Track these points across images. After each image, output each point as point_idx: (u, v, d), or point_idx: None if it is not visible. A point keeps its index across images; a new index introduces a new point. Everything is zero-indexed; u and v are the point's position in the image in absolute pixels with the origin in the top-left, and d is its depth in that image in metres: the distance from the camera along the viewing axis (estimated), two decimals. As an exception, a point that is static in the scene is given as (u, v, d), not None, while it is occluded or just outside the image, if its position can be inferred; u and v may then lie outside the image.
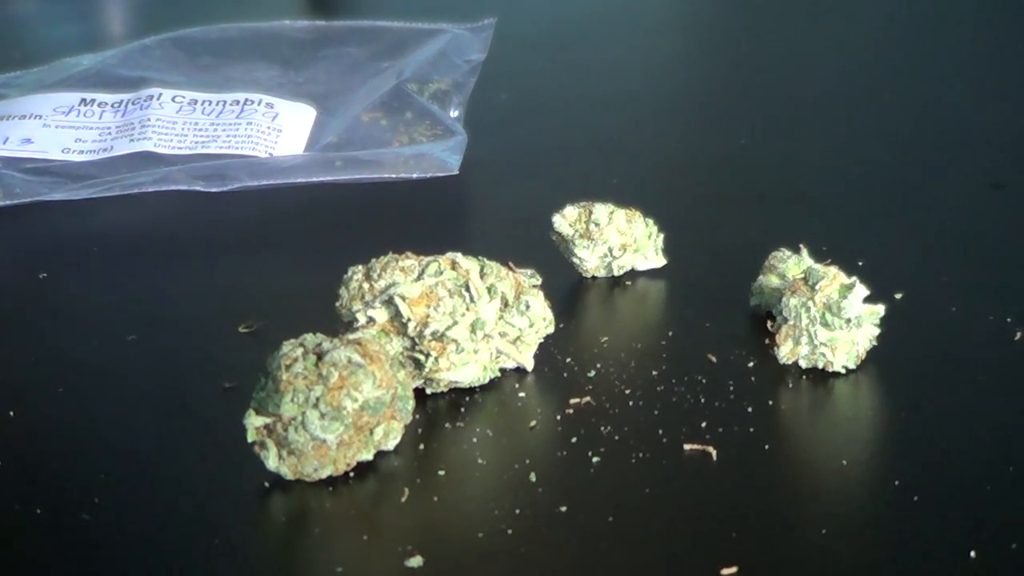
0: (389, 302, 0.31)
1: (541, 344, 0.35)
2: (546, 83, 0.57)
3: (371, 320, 0.31)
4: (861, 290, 0.33)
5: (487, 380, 0.33)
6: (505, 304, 0.32)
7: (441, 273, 0.31)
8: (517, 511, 0.29)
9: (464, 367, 0.31)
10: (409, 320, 0.31)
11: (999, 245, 0.40)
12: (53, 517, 0.30)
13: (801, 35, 0.63)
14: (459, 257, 0.32)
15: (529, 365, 0.33)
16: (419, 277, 0.31)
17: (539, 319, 0.33)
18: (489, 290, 0.31)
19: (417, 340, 0.31)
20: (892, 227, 0.42)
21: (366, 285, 0.32)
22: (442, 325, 0.30)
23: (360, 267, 0.32)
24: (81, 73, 0.55)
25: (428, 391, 0.32)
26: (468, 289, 0.31)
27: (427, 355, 0.31)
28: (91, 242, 0.44)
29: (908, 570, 0.27)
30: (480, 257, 0.33)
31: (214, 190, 0.47)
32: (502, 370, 0.33)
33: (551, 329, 0.33)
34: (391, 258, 0.32)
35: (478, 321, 0.31)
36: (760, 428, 0.31)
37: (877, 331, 0.34)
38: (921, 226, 0.42)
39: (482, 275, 0.32)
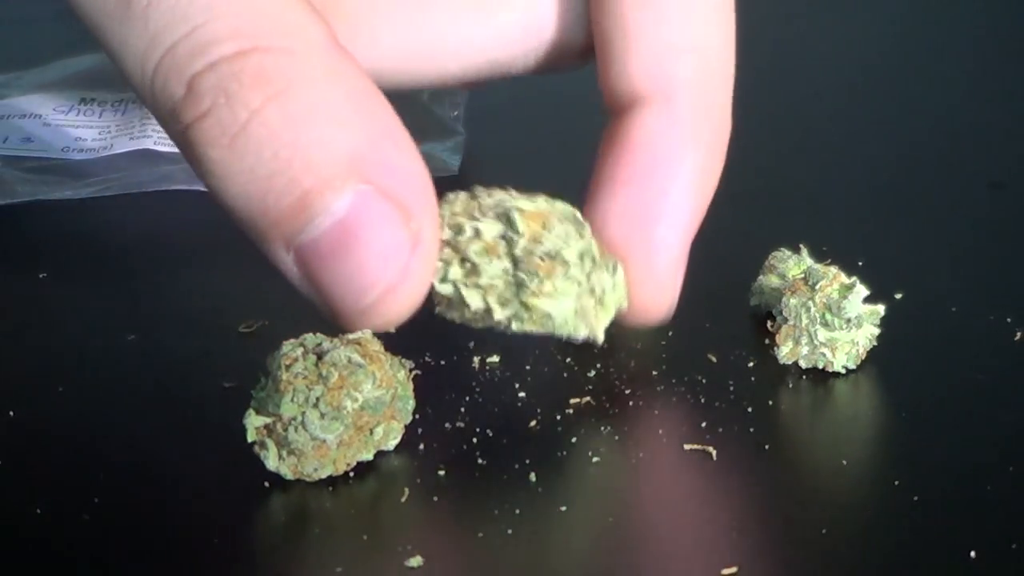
0: (502, 215, 0.29)
1: (542, 343, 0.35)
2: (546, 83, 0.57)
3: (477, 233, 0.29)
4: (861, 290, 0.33)
5: (567, 332, 0.30)
6: (593, 261, 0.29)
7: (553, 203, 0.29)
8: (517, 511, 0.29)
9: (564, 298, 0.29)
10: (522, 235, 0.28)
11: (999, 245, 0.40)
12: (53, 517, 0.30)
13: (801, 35, 0.63)
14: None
15: (601, 335, 0.30)
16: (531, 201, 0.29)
17: (621, 284, 0.30)
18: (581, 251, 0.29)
19: (524, 259, 0.28)
20: (892, 227, 0.42)
21: (472, 203, 0.29)
22: (554, 245, 0.28)
23: (460, 192, 0.30)
24: (81, 73, 0.55)
25: (514, 327, 0.29)
26: (577, 219, 0.29)
27: (533, 275, 0.28)
28: (91, 242, 0.44)
29: (908, 570, 0.27)
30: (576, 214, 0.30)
31: (214, 190, 0.47)
32: (568, 341, 0.30)
33: (624, 304, 0.31)
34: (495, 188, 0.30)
35: (587, 251, 0.29)
36: (760, 428, 0.31)
37: (877, 331, 0.34)
38: (921, 226, 0.42)
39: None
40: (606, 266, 0.30)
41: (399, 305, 0.27)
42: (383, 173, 0.25)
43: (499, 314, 0.29)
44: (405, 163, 0.26)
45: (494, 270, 0.28)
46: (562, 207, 0.30)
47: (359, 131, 0.25)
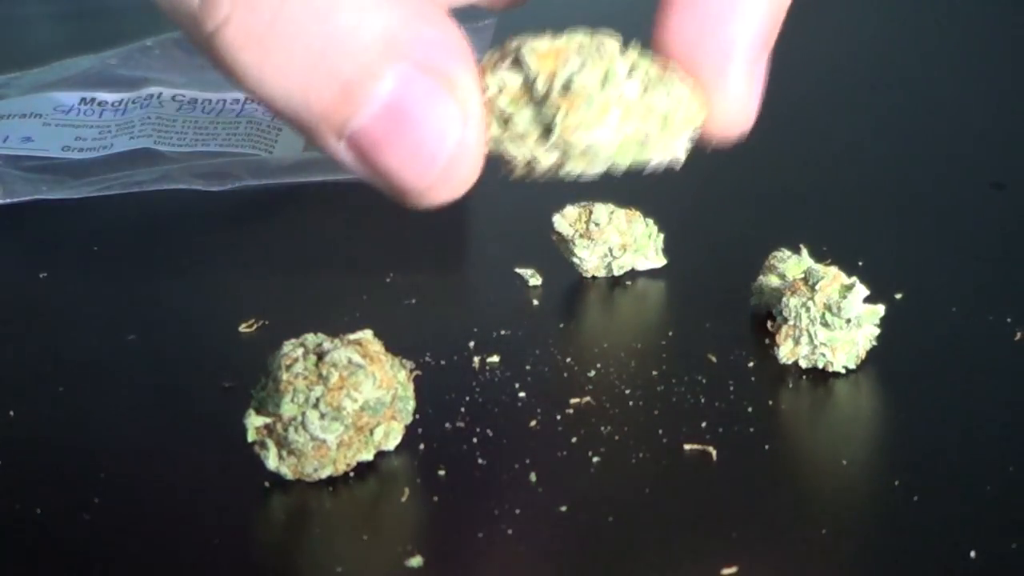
0: (517, 61, 0.28)
1: (541, 344, 0.35)
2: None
3: (502, 86, 0.27)
4: (861, 290, 0.33)
5: (634, 160, 0.28)
6: (647, 86, 0.28)
7: (576, 35, 0.28)
8: (517, 511, 0.29)
9: (598, 126, 0.27)
10: (538, 75, 0.27)
11: (999, 245, 0.40)
12: (53, 517, 0.30)
13: (800, 35, 0.63)
14: (605, 35, 0.28)
15: (680, 154, 0.28)
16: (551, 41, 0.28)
17: (685, 101, 0.28)
18: (632, 68, 0.28)
19: (544, 99, 0.27)
20: (892, 227, 0.42)
21: (497, 55, 0.28)
22: (567, 76, 0.27)
23: (491, 51, 0.28)
24: (81, 73, 0.55)
25: (567, 168, 0.28)
26: (599, 49, 0.28)
27: (555, 111, 0.27)
28: (91, 242, 0.44)
29: (908, 570, 0.27)
30: (635, 44, 0.29)
31: (214, 189, 0.47)
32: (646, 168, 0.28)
33: (703, 115, 0.29)
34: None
35: (610, 72, 0.27)
36: (760, 428, 0.31)
37: (877, 331, 0.34)
38: (921, 226, 0.42)
39: (623, 52, 0.28)
40: (667, 85, 0.28)
41: (462, 176, 0.26)
42: (420, 48, 0.25)
43: (547, 160, 0.28)
44: (440, 34, 0.25)
45: (524, 118, 0.27)
46: (581, 38, 0.28)
47: (388, 11, 0.25)
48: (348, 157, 0.25)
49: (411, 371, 0.32)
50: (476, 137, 0.26)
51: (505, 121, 0.28)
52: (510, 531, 0.28)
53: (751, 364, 0.34)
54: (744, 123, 0.29)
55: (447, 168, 0.26)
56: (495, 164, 0.27)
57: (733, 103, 0.28)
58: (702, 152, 0.27)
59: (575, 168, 0.28)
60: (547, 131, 0.28)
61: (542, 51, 0.28)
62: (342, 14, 0.24)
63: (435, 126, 0.25)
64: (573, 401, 0.33)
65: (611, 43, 0.28)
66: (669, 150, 0.29)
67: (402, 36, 0.25)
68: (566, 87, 0.27)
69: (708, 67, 0.28)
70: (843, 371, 0.33)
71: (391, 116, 0.25)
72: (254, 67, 0.24)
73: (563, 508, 0.29)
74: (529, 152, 0.28)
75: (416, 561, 0.27)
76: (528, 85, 0.28)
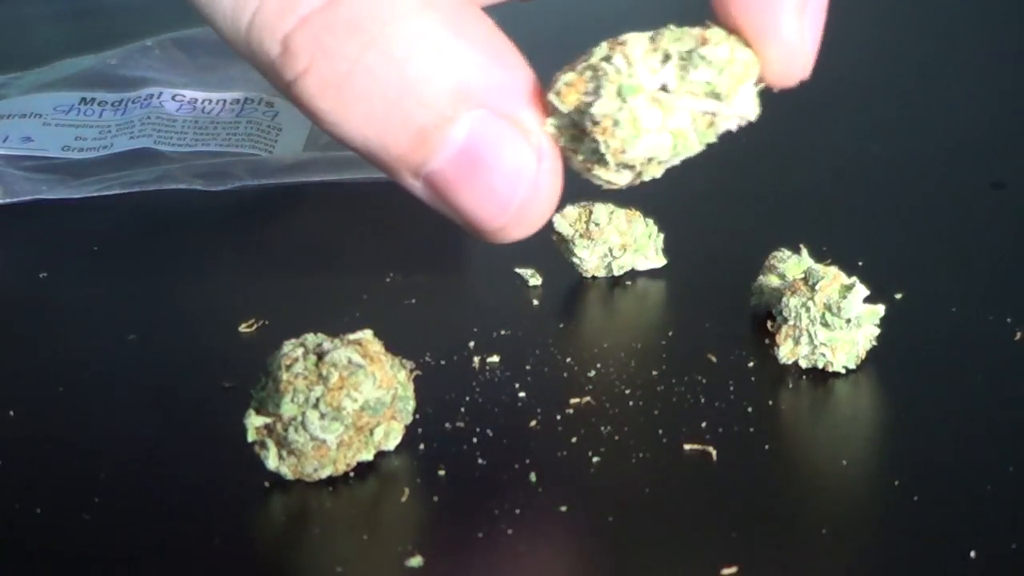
0: (555, 108, 0.28)
1: (541, 344, 0.35)
2: (546, 83, 0.56)
3: (557, 129, 0.28)
4: (861, 290, 0.33)
5: (706, 140, 0.28)
6: (684, 67, 0.28)
7: (592, 56, 0.28)
8: (517, 511, 0.29)
9: (639, 139, 0.27)
10: (569, 112, 0.27)
11: (999, 245, 0.40)
12: (53, 517, 0.30)
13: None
14: (630, 33, 0.28)
15: (751, 112, 0.28)
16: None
17: (727, 63, 0.28)
18: (665, 57, 0.27)
19: (586, 130, 0.27)
20: (892, 227, 0.42)
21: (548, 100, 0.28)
22: (586, 104, 0.27)
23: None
24: (81, 73, 0.55)
25: (646, 176, 0.28)
26: (610, 60, 0.28)
27: (597, 143, 0.27)
28: (91, 242, 0.44)
29: (908, 570, 0.27)
30: (670, 26, 0.28)
31: (214, 189, 0.47)
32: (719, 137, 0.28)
33: (756, 68, 0.28)
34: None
35: (624, 87, 0.27)
36: (760, 428, 0.31)
37: (877, 331, 0.34)
38: (921, 226, 0.42)
39: (653, 41, 0.28)
40: (707, 55, 0.28)
41: (536, 216, 0.27)
42: (494, 93, 0.26)
43: (622, 179, 0.28)
44: (512, 78, 0.26)
45: (582, 154, 0.28)
46: (596, 55, 0.28)
47: (462, 56, 0.25)
48: (424, 194, 0.26)
49: (411, 371, 0.32)
50: (549, 178, 0.26)
51: (574, 153, 0.28)
52: (510, 531, 0.28)
53: (751, 364, 0.34)
54: (800, 68, 0.28)
55: (521, 209, 0.26)
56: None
57: (785, 48, 0.28)
58: (702, 152, 0.27)
59: (654, 173, 0.28)
60: (602, 157, 0.28)
61: (563, 89, 0.28)
62: (416, 63, 0.25)
63: (508, 169, 0.26)
64: (573, 401, 0.33)
65: (632, 42, 0.28)
66: (736, 114, 0.28)
67: (475, 83, 0.25)
68: (591, 118, 0.27)
69: (759, 12, 0.28)
70: (843, 371, 0.33)
71: (465, 160, 0.25)
72: (332, 113, 0.25)
73: (563, 508, 0.29)
74: (603, 175, 0.28)
75: (416, 561, 0.27)
76: (571, 122, 0.28)
